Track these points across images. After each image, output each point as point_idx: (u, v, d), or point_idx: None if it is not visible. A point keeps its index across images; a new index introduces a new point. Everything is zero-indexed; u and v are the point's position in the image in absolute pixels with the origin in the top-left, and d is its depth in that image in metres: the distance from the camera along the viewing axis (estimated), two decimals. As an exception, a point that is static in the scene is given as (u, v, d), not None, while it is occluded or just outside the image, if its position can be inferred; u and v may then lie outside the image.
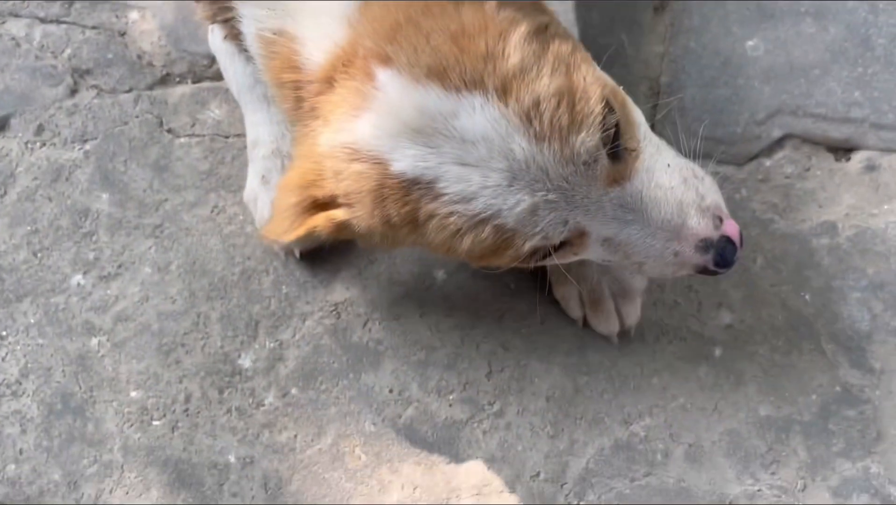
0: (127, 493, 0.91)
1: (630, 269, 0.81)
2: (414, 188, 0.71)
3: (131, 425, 0.93)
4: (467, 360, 0.94)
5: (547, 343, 0.94)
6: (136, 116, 1.04)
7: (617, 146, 0.73)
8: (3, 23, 1.08)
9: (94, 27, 1.08)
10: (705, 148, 0.98)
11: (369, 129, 0.71)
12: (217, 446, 0.92)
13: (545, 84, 0.70)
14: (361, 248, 0.97)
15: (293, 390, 0.94)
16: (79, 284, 0.98)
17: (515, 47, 0.71)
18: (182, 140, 1.03)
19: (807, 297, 0.95)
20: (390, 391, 0.93)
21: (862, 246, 0.96)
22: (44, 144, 1.03)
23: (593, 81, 0.72)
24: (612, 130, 0.72)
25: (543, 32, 0.74)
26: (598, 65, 0.78)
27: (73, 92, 1.05)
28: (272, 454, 0.92)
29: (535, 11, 0.77)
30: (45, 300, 0.97)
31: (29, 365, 0.95)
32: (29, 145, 1.03)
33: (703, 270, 0.77)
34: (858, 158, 0.99)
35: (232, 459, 0.92)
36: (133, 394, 0.94)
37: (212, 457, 0.92)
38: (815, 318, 0.94)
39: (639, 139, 0.76)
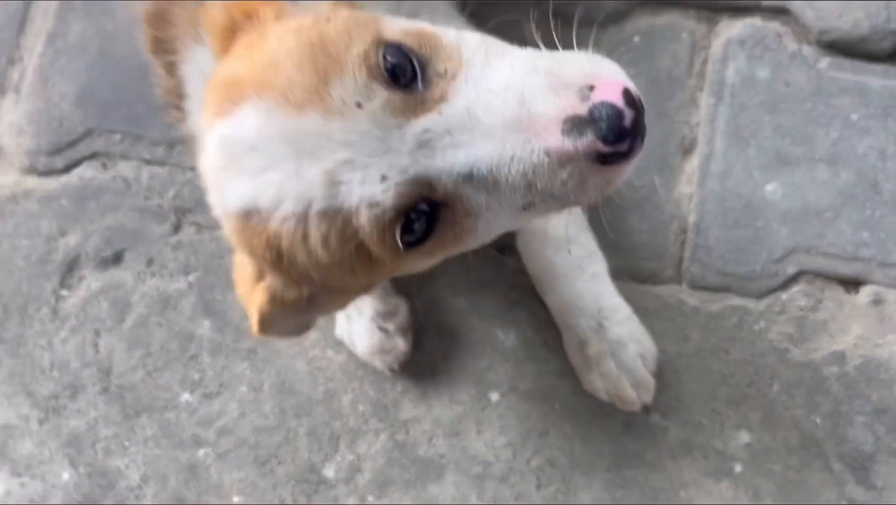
0: (232, 583, 1.09)
1: (551, 206, 0.66)
2: (252, 219, 0.66)
3: (234, 525, 1.11)
4: (518, 474, 1.09)
5: (588, 460, 1.09)
6: (231, 251, 1.21)
7: (412, 77, 0.64)
8: (116, 165, 1.25)
9: (192, 168, 1.25)
10: (728, 283, 1.12)
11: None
12: (306, 545, 1.09)
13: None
14: (419, 370, 1.13)
15: (370, 498, 1.10)
16: (187, 402, 1.15)
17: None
18: (270, 272, 1.19)
19: (817, 420, 1.08)
20: (452, 501, 1.09)
21: (867, 374, 1.09)
22: (153, 276, 1.20)
23: (356, 26, 0.66)
24: (396, 61, 0.64)
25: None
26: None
27: (177, 229, 1.22)
28: (353, 552, 1.09)
29: None
30: (160, 415, 1.15)
31: (148, 473, 1.13)
32: (141, 276, 1.21)
33: (606, 159, 0.61)
34: (866, 292, 1.12)
35: (319, 556, 1.09)
36: (235, 499, 1.11)
37: (302, 554, 1.09)
38: (825, 440, 1.07)
39: (458, 58, 0.65)
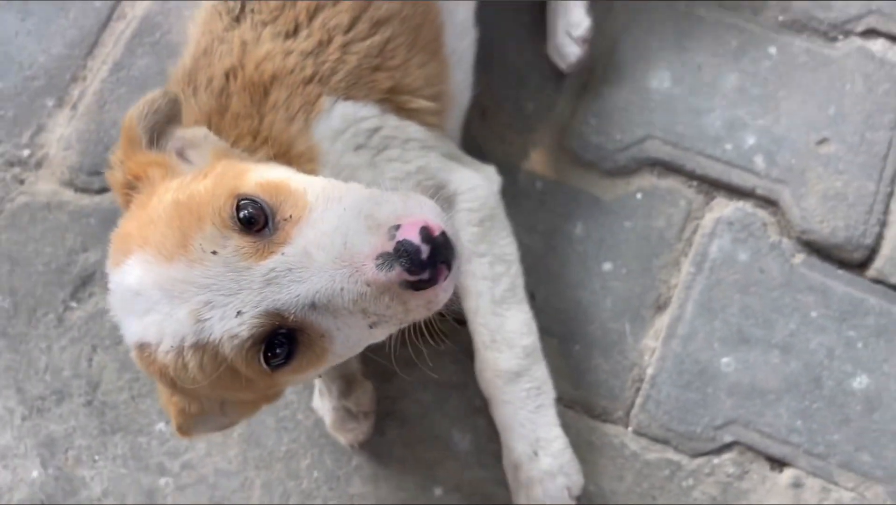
0: None
1: (391, 323, 0.78)
2: (145, 352, 0.79)
3: (176, 554, 1.20)
4: (444, 567, 1.19)
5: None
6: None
7: (265, 223, 0.76)
8: (147, 196, 1.36)
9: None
10: (669, 437, 1.23)
11: None
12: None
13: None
14: (376, 451, 1.23)
15: (305, 559, 1.20)
16: (160, 431, 1.25)
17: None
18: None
19: (720, 581, 1.19)
20: (378, 579, 1.19)
21: (774, 550, 1.20)
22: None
23: (216, 185, 0.79)
24: (249, 212, 0.76)
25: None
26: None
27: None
28: None
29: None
30: (133, 438, 1.24)
31: (110, 488, 1.22)
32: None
33: (416, 285, 0.72)
34: (789, 474, 1.22)
35: None
36: (183, 531, 1.21)
37: None
38: None
39: (303, 204, 0.77)
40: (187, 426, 0.89)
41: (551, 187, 1.35)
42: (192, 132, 0.91)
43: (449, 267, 0.74)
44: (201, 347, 0.75)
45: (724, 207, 1.32)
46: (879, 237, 1.29)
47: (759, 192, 1.32)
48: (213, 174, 0.82)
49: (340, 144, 1.05)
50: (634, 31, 1.41)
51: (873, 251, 1.29)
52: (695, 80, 1.37)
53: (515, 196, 1.33)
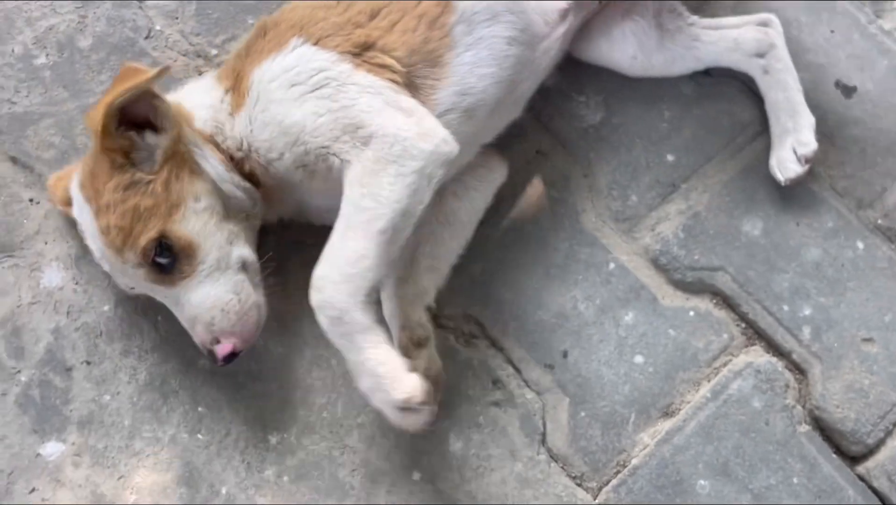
0: None
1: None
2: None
3: None
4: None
5: None
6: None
7: (166, 266, 1.21)
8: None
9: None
10: None
11: None
12: None
13: (115, 220, 1.19)
14: (384, 421, 1.38)
15: None
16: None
17: (110, 192, 1.20)
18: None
19: None
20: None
21: None
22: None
23: (151, 229, 1.20)
24: (157, 249, 1.20)
25: (135, 188, 1.20)
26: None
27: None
28: None
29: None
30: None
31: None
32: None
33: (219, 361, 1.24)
34: None
35: None
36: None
37: None
38: None
39: (196, 270, 1.23)
40: None
41: (621, 272, 1.49)
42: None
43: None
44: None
45: (759, 356, 1.44)
46: (881, 442, 1.40)
47: (795, 357, 1.44)
48: (155, 191, 1.22)
49: (278, 82, 1.26)
50: (752, 174, 1.54)
51: (871, 452, 1.39)
52: (782, 240, 1.50)
53: (588, 265, 1.48)
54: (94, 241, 1.25)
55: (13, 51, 1.57)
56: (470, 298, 1.46)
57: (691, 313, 1.47)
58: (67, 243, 1.45)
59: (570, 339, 1.45)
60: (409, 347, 1.33)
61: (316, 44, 1.29)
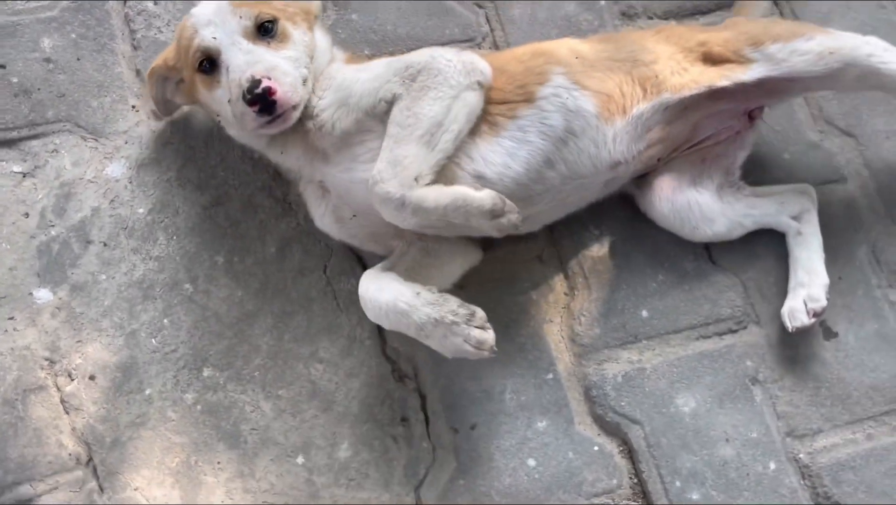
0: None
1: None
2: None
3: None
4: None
5: None
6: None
7: (271, 32, 1.51)
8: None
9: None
10: None
11: None
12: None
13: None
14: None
15: (199, 406, 1.54)
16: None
17: None
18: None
19: None
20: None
21: None
22: (290, 203, 1.72)
23: (271, 11, 1.53)
24: (266, 23, 1.51)
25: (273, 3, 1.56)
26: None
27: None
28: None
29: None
30: (201, 249, 1.66)
31: (162, 259, 1.64)
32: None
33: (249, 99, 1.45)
34: None
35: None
36: (166, 320, 1.60)
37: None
38: None
39: (280, 50, 1.51)
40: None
41: (556, 384, 1.63)
42: None
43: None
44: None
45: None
46: None
47: (665, 527, 1.53)
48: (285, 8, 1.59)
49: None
50: (706, 360, 1.66)
51: None
52: (705, 427, 1.61)
53: (531, 365, 1.63)
54: (213, 6, 1.55)
55: (181, -6, 1.91)
56: (420, 344, 1.63)
57: (596, 448, 1.59)
58: (139, 151, 1.73)
59: (484, 417, 1.59)
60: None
61: None
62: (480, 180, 1.50)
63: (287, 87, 1.47)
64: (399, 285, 1.44)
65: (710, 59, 1.63)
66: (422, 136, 1.44)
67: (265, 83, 1.44)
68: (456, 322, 1.38)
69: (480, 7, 1.95)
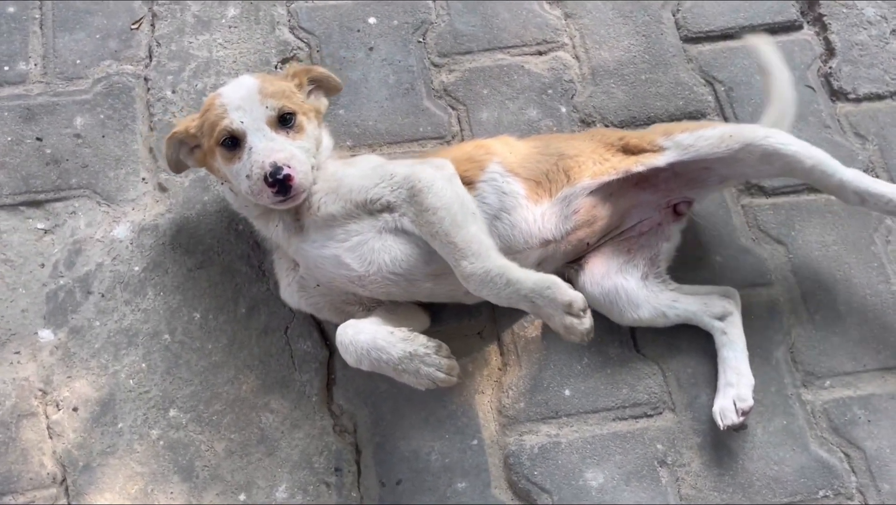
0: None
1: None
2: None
3: (130, 369, 1.84)
4: None
5: None
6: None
7: (290, 124, 1.76)
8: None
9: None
10: None
11: None
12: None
13: (274, 88, 1.78)
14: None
15: (162, 442, 1.78)
16: (195, 317, 1.91)
17: (280, 83, 1.83)
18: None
19: None
20: (170, 492, 1.73)
21: None
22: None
23: (293, 106, 1.79)
24: (287, 115, 1.75)
25: (293, 94, 1.82)
26: None
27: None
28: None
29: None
30: (182, 305, 1.92)
31: (148, 311, 1.91)
32: (263, 264, 1.99)
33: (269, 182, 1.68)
34: None
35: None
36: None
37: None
38: None
39: (296, 141, 1.75)
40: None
41: (479, 450, 1.81)
42: None
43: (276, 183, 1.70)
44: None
45: None
46: None
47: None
48: (303, 102, 1.86)
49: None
50: (611, 442, 1.83)
51: None
52: (610, 497, 1.76)
53: (458, 431, 1.81)
54: (242, 92, 1.79)
55: (196, 86, 2.22)
56: (364, 403, 1.84)
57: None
58: (143, 217, 2.02)
59: (410, 474, 1.78)
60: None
61: None
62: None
63: (302, 174, 1.71)
64: (375, 326, 1.68)
65: (629, 150, 1.88)
66: (460, 218, 1.67)
67: (286, 170, 1.68)
68: (428, 353, 1.62)
69: (453, 109, 2.21)
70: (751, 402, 1.79)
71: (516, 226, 1.80)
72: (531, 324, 1.95)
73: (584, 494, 1.77)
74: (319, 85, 1.91)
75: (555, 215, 1.83)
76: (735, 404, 1.79)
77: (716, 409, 1.81)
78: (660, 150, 1.85)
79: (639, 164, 1.85)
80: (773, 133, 1.83)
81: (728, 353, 1.87)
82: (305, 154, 1.75)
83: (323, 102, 1.92)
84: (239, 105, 1.75)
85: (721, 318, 1.90)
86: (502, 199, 1.79)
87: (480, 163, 1.82)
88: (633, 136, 1.89)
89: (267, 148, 1.71)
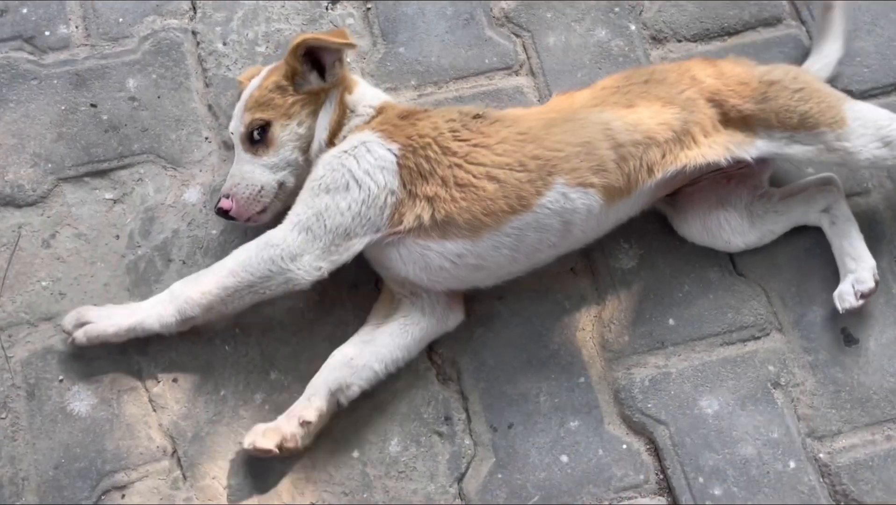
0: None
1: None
2: None
3: (223, 335, 1.80)
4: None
5: None
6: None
7: (259, 139, 1.74)
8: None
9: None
10: None
11: None
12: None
13: (257, 95, 1.76)
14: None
15: (267, 406, 1.74)
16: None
17: (267, 84, 1.78)
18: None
19: None
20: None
21: None
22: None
23: (265, 115, 1.74)
24: (256, 129, 1.73)
25: (280, 92, 1.75)
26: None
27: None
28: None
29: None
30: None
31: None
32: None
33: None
34: None
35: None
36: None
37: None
38: None
39: (262, 158, 1.75)
40: None
41: (587, 388, 1.77)
42: None
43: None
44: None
45: (660, 506, 1.68)
46: None
47: (689, 522, 1.66)
48: (286, 102, 1.77)
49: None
50: (729, 365, 1.78)
51: None
52: (727, 428, 1.73)
53: (563, 370, 1.77)
54: (245, 95, 1.79)
55: (248, 36, 2.11)
56: (463, 350, 1.80)
57: (624, 446, 1.73)
58: (213, 178, 1.94)
59: (520, 417, 1.75)
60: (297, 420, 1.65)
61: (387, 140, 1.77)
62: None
63: (243, 201, 1.74)
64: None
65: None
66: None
67: (222, 203, 1.74)
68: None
69: (518, 36, 2.11)
70: (870, 283, 1.75)
71: (570, 230, 1.72)
72: (626, 255, 1.89)
73: (700, 423, 1.74)
74: (320, 55, 1.75)
75: (629, 207, 1.80)
76: (853, 287, 1.76)
77: (836, 294, 1.79)
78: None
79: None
80: None
81: (840, 242, 1.83)
82: (266, 172, 1.75)
83: (336, 72, 1.77)
84: (235, 113, 1.81)
85: (826, 209, 1.85)
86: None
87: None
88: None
89: (231, 172, 1.78)
